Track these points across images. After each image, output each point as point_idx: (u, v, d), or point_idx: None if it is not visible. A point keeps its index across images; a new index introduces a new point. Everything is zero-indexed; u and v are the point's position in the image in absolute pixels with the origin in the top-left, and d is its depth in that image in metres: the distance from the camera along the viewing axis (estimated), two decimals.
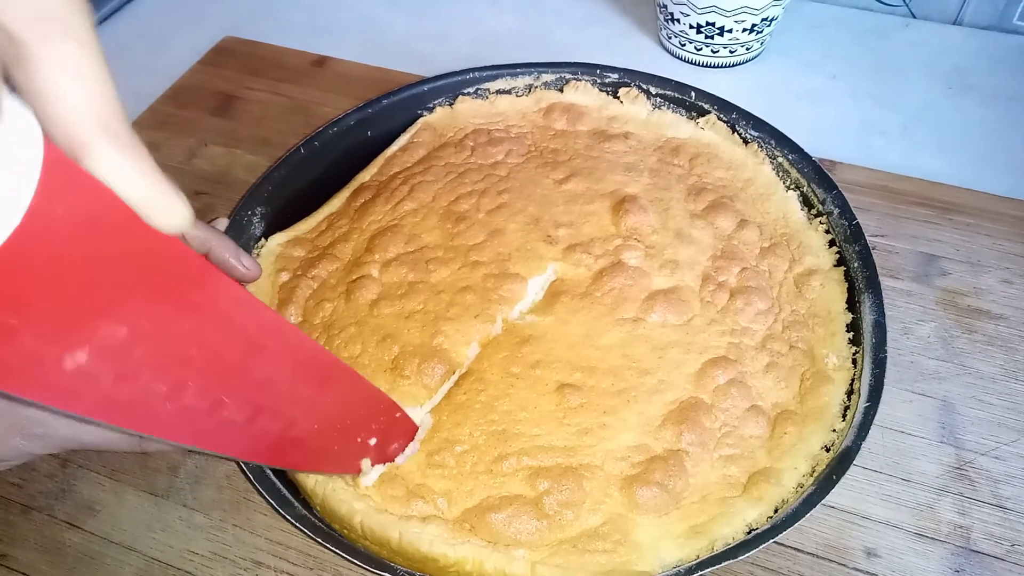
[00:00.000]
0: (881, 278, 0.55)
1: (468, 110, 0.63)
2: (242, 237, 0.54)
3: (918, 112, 0.70)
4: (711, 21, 0.70)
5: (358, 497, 0.42)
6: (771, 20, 0.70)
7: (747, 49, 0.73)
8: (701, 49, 0.73)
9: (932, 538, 0.44)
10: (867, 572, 0.43)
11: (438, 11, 0.84)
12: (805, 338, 0.48)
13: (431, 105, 0.63)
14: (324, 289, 0.51)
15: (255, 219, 0.55)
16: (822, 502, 0.40)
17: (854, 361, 0.47)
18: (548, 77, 0.62)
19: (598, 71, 0.62)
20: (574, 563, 0.40)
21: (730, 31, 0.70)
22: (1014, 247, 0.57)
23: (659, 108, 0.61)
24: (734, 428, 0.44)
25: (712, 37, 0.71)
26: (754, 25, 0.70)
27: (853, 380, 0.46)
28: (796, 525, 0.39)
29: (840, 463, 0.41)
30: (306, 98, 0.73)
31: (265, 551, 0.45)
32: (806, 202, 0.55)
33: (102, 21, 0.84)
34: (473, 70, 0.62)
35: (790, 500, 0.41)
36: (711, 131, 0.60)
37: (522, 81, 0.63)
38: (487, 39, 0.81)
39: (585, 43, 0.79)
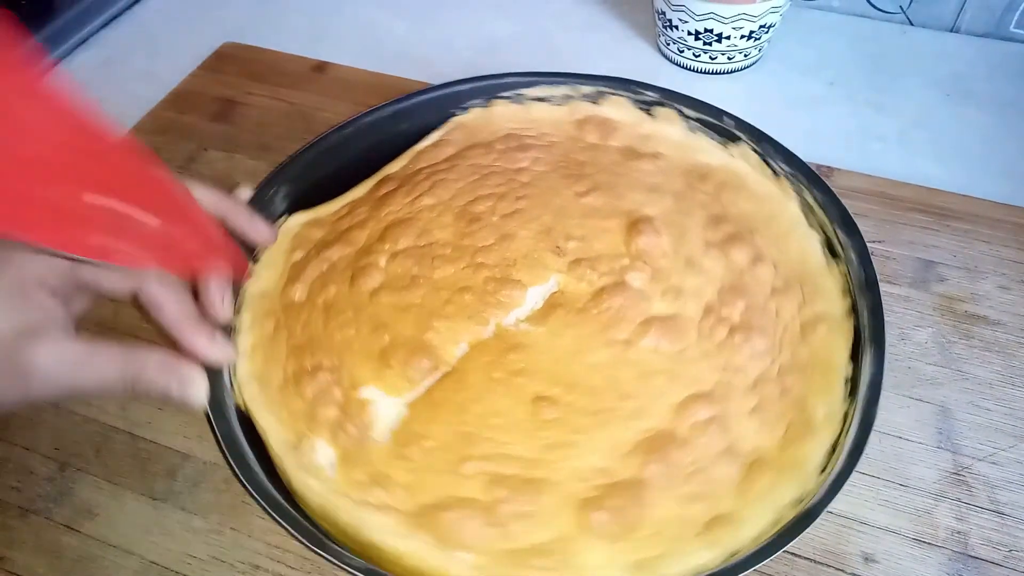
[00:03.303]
0: (879, 283, 0.56)
1: (503, 113, 0.62)
2: (264, 213, 0.55)
3: (916, 118, 0.70)
4: (709, 28, 0.70)
5: (319, 480, 0.43)
6: (769, 27, 0.71)
7: (745, 56, 0.73)
8: (699, 55, 0.73)
9: (930, 543, 0.44)
10: None
11: (438, 17, 0.85)
12: (799, 386, 0.46)
13: (466, 105, 0.62)
14: (333, 272, 0.52)
15: (278, 197, 0.56)
16: None
17: (845, 416, 0.45)
18: (586, 89, 0.61)
19: (636, 88, 0.60)
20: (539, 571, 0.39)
21: (728, 38, 0.70)
22: (1011, 253, 0.57)
23: (694, 132, 0.59)
24: (704, 468, 0.43)
25: (710, 44, 0.72)
26: (752, 32, 0.70)
27: (840, 436, 0.44)
28: None
29: (804, 519, 0.40)
30: (306, 103, 0.73)
31: (263, 555, 0.45)
32: (828, 245, 0.52)
33: (102, 27, 0.85)
34: (512, 75, 0.61)
35: (746, 549, 0.40)
36: (743, 160, 0.58)
37: (560, 90, 0.61)
38: (487, 45, 0.81)
39: (584, 48, 0.80)
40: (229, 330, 0.49)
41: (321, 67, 0.77)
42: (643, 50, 0.79)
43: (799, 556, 0.44)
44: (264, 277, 0.53)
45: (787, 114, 0.71)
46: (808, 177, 0.54)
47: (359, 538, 0.41)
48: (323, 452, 0.44)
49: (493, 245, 0.52)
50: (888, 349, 0.52)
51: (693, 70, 0.75)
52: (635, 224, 0.52)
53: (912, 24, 0.80)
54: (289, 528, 0.39)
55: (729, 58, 0.73)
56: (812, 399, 0.45)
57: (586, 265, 0.51)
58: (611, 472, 0.42)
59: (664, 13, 0.72)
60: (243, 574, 0.44)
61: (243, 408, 0.46)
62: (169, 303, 0.43)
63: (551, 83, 0.61)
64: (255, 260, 0.53)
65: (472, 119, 0.62)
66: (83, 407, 0.52)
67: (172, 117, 0.72)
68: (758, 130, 0.56)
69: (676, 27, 0.72)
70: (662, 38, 0.76)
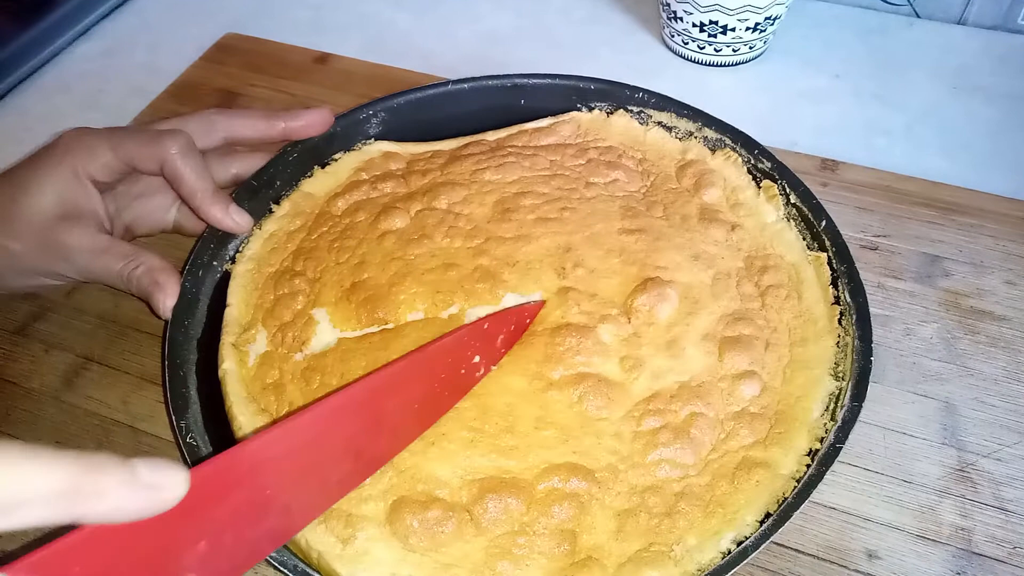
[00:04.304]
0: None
1: (620, 126, 0.60)
2: (351, 129, 0.59)
3: (922, 112, 0.70)
4: (714, 19, 0.69)
5: (237, 363, 0.47)
6: (774, 19, 0.70)
7: (750, 48, 0.73)
8: (704, 47, 0.73)
9: (933, 540, 0.44)
10: (868, 574, 0.43)
11: (440, 8, 0.84)
12: (688, 519, 0.40)
13: (591, 105, 0.61)
14: (373, 202, 0.54)
15: (374, 120, 0.59)
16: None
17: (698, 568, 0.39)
18: (710, 133, 0.57)
19: (758, 152, 0.55)
20: (312, 534, 0.40)
21: (733, 29, 0.70)
22: (1017, 248, 0.57)
23: (789, 220, 0.53)
24: (534, 535, 0.40)
25: (715, 35, 0.71)
26: (757, 24, 0.70)
27: None
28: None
29: None
30: (308, 95, 0.72)
31: None
32: (835, 401, 0.44)
33: (103, 18, 0.84)
34: (646, 91, 0.59)
35: None
36: (815, 271, 0.51)
37: (686, 125, 0.58)
38: (489, 36, 0.81)
39: (588, 41, 0.79)
40: (268, 209, 0.55)
41: (323, 59, 0.76)
42: (647, 42, 0.78)
43: (802, 552, 0.43)
44: (321, 180, 0.56)
45: (792, 107, 0.71)
46: (860, 321, 0.46)
47: (231, 425, 0.45)
48: (259, 342, 0.48)
49: (508, 240, 0.51)
50: (893, 344, 0.52)
51: (698, 62, 0.75)
52: (647, 281, 0.48)
53: (919, 16, 0.79)
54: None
55: (734, 50, 0.72)
56: (690, 537, 0.40)
57: (575, 297, 0.48)
58: (447, 488, 0.41)
59: (669, 4, 0.72)
60: None
61: (228, 273, 0.52)
62: (189, 176, 0.48)
63: (681, 114, 0.58)
64: (323, 165, 0.57)
65: (589, 119, 0.60)
66: (84, 400, 0.52)
67: (173, 109, 0.72)
68: (847, 250, 0.49)
69: (681, 19, 0.71)
70: (667, 30, 0.76)
